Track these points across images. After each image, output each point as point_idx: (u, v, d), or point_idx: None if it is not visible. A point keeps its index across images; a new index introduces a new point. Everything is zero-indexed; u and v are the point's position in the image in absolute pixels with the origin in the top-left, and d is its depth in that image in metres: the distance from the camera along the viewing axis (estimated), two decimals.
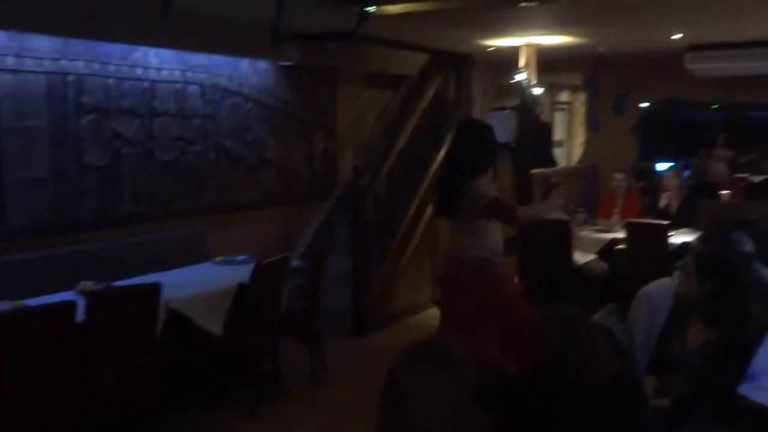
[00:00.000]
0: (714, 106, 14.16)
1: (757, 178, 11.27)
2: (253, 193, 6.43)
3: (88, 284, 4.26)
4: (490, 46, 7.13)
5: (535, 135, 7.85)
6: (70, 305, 3.53)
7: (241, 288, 4.58)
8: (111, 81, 5.14)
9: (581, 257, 6.63)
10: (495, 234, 4.37)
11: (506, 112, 9.37)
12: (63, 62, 4.81)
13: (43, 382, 3.44)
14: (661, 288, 3.64)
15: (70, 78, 4.87)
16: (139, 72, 5.33)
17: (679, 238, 6.28)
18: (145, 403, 4.05)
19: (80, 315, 3.59)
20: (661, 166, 9.64)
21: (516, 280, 4.61)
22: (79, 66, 4.91)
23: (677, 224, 6.56)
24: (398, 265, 6.89)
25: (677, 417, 2.85)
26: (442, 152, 7.47)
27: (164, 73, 5.53)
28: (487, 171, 4.32)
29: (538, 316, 2.31)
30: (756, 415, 2.65)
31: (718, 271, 2.97)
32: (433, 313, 7.08)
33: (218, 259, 5.33)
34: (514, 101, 8.22)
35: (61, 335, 3.47)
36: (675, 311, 3.24)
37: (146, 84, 5.39)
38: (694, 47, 7.32)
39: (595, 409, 2.14)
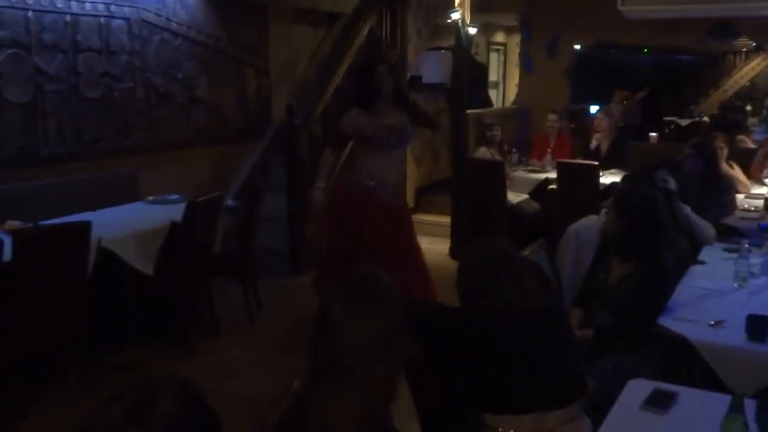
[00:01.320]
0: (645, 50, 14.41)
1: (685, 122, 11.61)
2: (184, 133, 6.29)
3: (14, 223, 4.12)
4: None
5: (470, 76, 7.84)
6: None
7: (174, 227, 4.52)
8: (30, 14, 4.89)
9: (514, 197, 6.75)
10: (370, 161, 4.55)
11: (441, 52, 9.35)
12: None
13: None
14: (589, 225, 3.76)
15: None
16: (59, 4, 5.09)
17: (608, 178, 6.44)
18: (76, 344, 3.99)
19: (7, 255, 3.49)
20: (594, 109, 9.82)
21: (392, 204, 4.61)
22: None
23: (607, 165, 6.72)
24: None
25: (600, 347, 2.97)
26: None
27: (87, 6, 5.29)
28: (362, 105, 4.54)
29: (468, 248, 2.36)
30: (673, 344, 2.78)
31: (634, 207, 3.08)
32: None
33: (150, 198, 5.23)
34: (450, 41, 8.19)
35: None
36: (601, 246, 3.35)
37: (68, 17, 5.15)
38: None
39: (522, 339, 2.22)
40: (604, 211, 3.63)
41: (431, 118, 5.07)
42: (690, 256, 3.64)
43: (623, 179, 3.69)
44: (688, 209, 3.94)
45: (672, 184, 3.88)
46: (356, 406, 1.52)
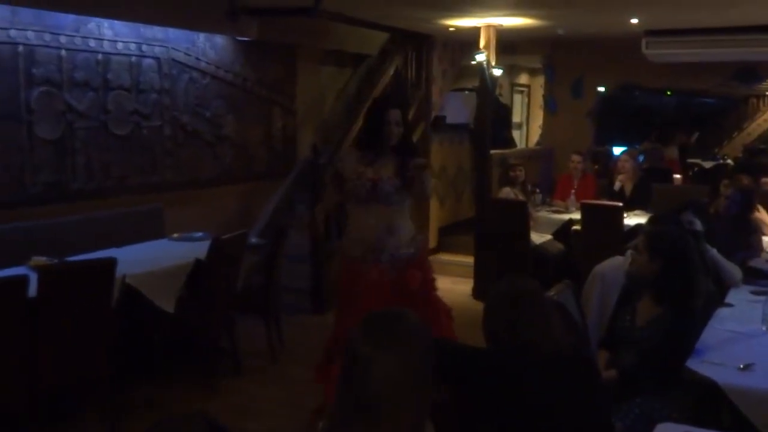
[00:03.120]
0: (668, 93, 14.43)
1: (708, 164, 11.54)
2: (210, 170, 6.36)
3: (41, 259, 4.17)
4: (451, 27, 7.13)
5: (494, 116, 7.88)
6: (22, 279, 3.45)
7: (198, 264, 4.54)
8: (63, 52, 5.01)
9: (537, 237, 6.71)
10: (353, 215, 3.94)
11: (466, 93, 9.40)
12: (12, 32, 4.68)
13: None
14: (615, 266, 3.72)
15: (21, 48, 4.74)
16: (92, 44, 5.21)
17: (632, 219, 6.39)
18: (98, 380, 3.99)
19: (32, 290, 3.52)
20: (618, 150, 9.80)
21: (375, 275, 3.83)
22: (30, 36, 4.78)
23: (631, 206, 6.68)
24: None
25: (625, 389, 2.92)
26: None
27: (119, 45, 5.41)
28: (360, 147, 3.98)
29: (495, 287, 2.34)
30: (700, 388, 2.73)
31: (668, 249, 3.05)
32: None
33: (175, 235, 5.27)
34: (474, 82, 8.25)
35: (11, 310, 3.40)
36: (626, 288, 3.32)
37: (100, 56, 5.28)
38: (651, 32, 7.42)
39: (548, 381, 2.19)
40: (629, 252, 3.59)
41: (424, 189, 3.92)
42: (717, 298, 3.60)
43: (650, 221, 3.66)
44: (714, 251, 3.90)
45: (698, 225, 3.85)
46: None
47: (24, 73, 4.75)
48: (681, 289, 3.00)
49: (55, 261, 4.18)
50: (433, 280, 4.13)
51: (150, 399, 4.37)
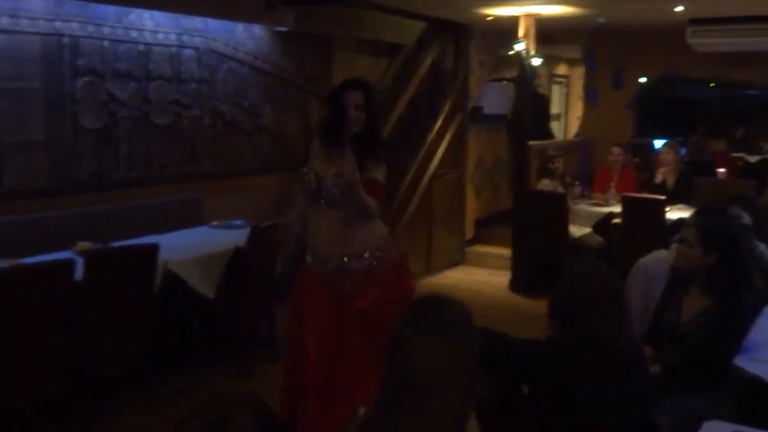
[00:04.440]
0: (711, 84, 14.15)
1: (753, 158, 11.29)
2: (249, 160, 6.40)
3: (85, 245, 4.25)
4: (489, 16, 7.06)
5: (533, 108, 7.80)
6: (70, 263, 3.52)
7: (237, 252, 4.57)
8: (106, 43, 5.07)
9: (576, 230, 6.64)
10: (311, 222, 3.42)
11: (504, 83, 9.33)
12: (57, 23, 4.75)
13: (40, 339, 3.46)
14: (658, 260, 3.66)
15: (66, 39, 4.81)
16: (134, 35, 5.27)
17: (674, 213, 6.29)
18: (140, 363, 4.06)
19: (78, 274, 3.58)
20: (660, 143, 9.64)
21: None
22: (74, 27, 4.84)
23: (673, 200, 6.57)
24: (393, 234, 6.87)
25: (669, 385, 2.88)
26: (439, 122, 7.47)
27: (160, 36, 5.46)
28: (322, 138, 3.44)
29: (581, 266, 2.31)
30: (747, 386, 2.67)
31: (723, 242, 2.99)
32: (428, 282, 7.12)
33: (215, 223, 5.32)
34: (512, 73, 8.18)
35: (59, 293, 3.48)
36: (672, 282, 3.26)
37: (141, 47, 5.33)
38: (696, 21, 7.26)
39: (604, 378, 2.15)
40: (674, 246, 3.53)
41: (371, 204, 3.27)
42: (766, 295, 3.51)
43: (697, 214, 3.58)
44: (762, 246, 3.81)
45: (747, 219, 3.76)
46: (427, 431, 1.50)
47: (69, 63, 4.82)
48: (735, 283, 2.94)
49: (99, 246, 4.24)
50: (396, 301, 3.27)
51: (188, 385, 4.42)
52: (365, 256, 3.33)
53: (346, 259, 3.31)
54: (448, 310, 1.60)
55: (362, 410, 1.89)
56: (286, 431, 1.17)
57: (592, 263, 2.40)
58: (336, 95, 3.34)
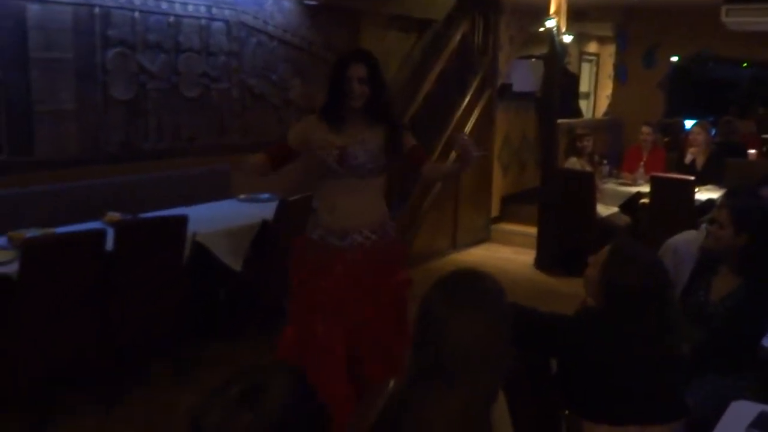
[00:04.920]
0: (744, 65, 13.90)
1: None
2: (276, 134, 6.39)
3: (115, 215, 4.30)
4: None
5: (562, 86, 7.72)
6: (101, 232, 3.57)
7: (265, 224, 4.60)
8: (136, 14, 5.09)
9: (603, 210, 6.60)
10: (323, 189, 3.39)
11: (533, 60, 9.24)
12: None
13: (71, 307, 3.52)
14: (688, 240, 3.63)
15: (97, 10, 4.83)
16: (164, 6, 5.28)
17: (704, 194, 6.23)
18: (167, 332, 4.12)
19: (109, 244, 3.63)
20: (690, 123, 9.52)
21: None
22: None
23: (703, 180, 6.50)
24: (419, 211, 6.89)
25: (696, 365, 2.87)
26: (467, 99, 7.42)
27: (189, 8, 5.47)
28: (326, 115, 3.30)
29: (636, 246, 2.32)
30: None
31: (755, 223, 2.97)
32: (453, 259, 7.13)
33: (242, 196, 5.35)
34: (542, 50, 8.09)
35: (91, 262, 3.53)
36: (701, 263, 3.24)
37: (171, 18, 5.34)
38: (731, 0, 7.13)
39: (637, 350, 2.16)
40: (704, 226, 3.50)
41: (422, 156, 3.38)
42: None
43: (728, 195, 3.54)
44: None
45: None
46: (457, 407, 1.51)
47: (100, 34, 4.84)
48: (765, 264, 2.92)
49: (129, 217, 4.29)
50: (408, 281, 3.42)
51: (215, 356, 4.48)
52: (379, 227, 3.32)
53: (366, 231, 3.28)
54: (480, 283, 1.60)
55: (391, 382, 1.91)
56: (318, 402, 1.17)
57: (642, 247, 2.38)
58: (339, 69, 3.24)
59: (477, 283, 1.60)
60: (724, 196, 3.49)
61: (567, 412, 2.31)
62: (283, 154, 3.38)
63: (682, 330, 2.36)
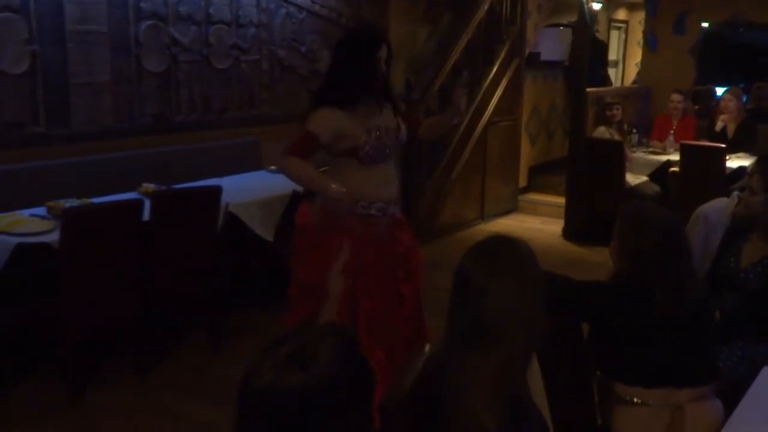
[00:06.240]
0: None
1: None
2: (305, 105, 6.40)
3: (149, 186, 4.38)
4: None
5: (590, 54, 7.64)
6: (139, 202, 3.65)
7: (295, 195, 4.66)
8: None
9: (633, 179, 6.58)
10: (360, 179, 3.18)
11: (561, 28, 9.14)
12: None
13: (109, 275, 3.61)
14: (719, 208, 3.63)
15: None
16: None
17: (734, 162, 6.18)
18: (202, 301, 4.22)
19: (145, 215, 3.72)
20: (721, 90, 9.38)
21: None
22: None
23: (734, 148, 6.44)
24: (447, 181, 6.92)
25: (727, 331, 2.89)
26: (495, 68, 7.39)
27: None
28: (344, 105, 3.11)
29: (654, 208, 2.36)
30: None
31: None
32: (480, 229, 7.16)
33: (272, 167, 5.40)
34: (570, 18, 8.01)
35: (128, 231, 3.61)
36: (731, 230, 3.25)
37: None
38: None
39: (670, 314, 2.19)
40: (735, 193, 3.50)
41: (418, 118, 3.59)
42: None
43: (759, 161, 3.53)
44: None
45: None
46: (494, 371, 1.54)
47: (133, 7, 4.89)
48: None
49: (163, 188, 4.37)
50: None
51: (247, 325, 4.57)
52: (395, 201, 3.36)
53: (392, 204, 3.32)
54: (516, 249, 1.63)
55: (427, 346, 1.97)
56: (366, 363, 1.22)
57: (657, 207, 2.43)
58: (370, 50, 3.12)
59: (513, 249, 1.63)
60: (756, 163, 3.48)
61: (598, 373, 2.36)
62: (315, 149, 3.20)
63: (702, 287, 2.38)
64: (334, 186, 3.05)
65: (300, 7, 6.23)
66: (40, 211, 3.89)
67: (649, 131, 7.58)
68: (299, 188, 4.62)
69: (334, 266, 3.19)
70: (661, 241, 2.22)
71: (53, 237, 3.49)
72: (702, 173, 5.98)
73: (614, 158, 6.43)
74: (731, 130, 6.87)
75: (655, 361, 2.19)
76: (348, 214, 3.14)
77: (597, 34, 10.20)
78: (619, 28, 11.73)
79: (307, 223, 3.32)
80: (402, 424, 1.68)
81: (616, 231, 2.34)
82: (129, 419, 3.54)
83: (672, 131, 7.12)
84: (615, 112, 6.92)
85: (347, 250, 3.18)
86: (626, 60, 11.71)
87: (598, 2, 6.97)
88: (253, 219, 4.49)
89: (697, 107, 8.41)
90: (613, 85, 10.69)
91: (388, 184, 3.28)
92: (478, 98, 7.16)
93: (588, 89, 7.20)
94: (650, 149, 7.07)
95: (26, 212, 3.84)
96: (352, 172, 3.17)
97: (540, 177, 8.43)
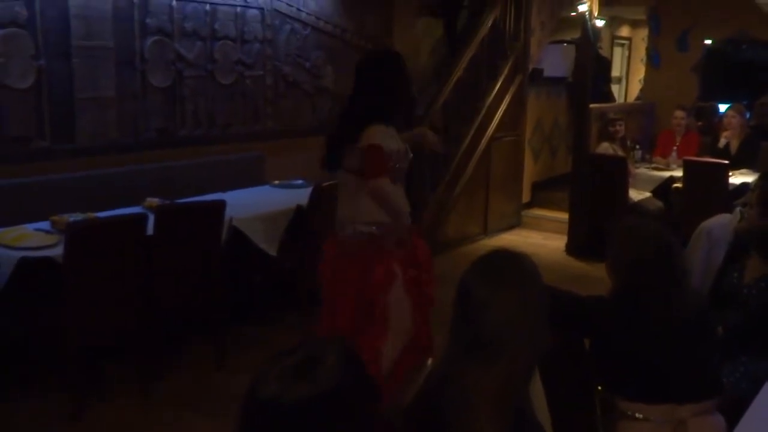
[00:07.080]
0: None
1: None
2: (309, 120, 6.47)
3: (154, 200, 4.39)
4: None
5: (594, 70, 7.67)
6: (143, 217, 3.67)
7: (299, 210, 4.68)
8: (174, 3, 5.17)
9: (636, 195, 6.59)
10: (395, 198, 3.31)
11: (565, 45, 9.18)
12: None
13: (113, 289, 3.62)
14: (722, 223, 3.63)
15: None
16: None
17: (738, 178, 6.18)
18: (205, 315, 4.22)
19: (149, 229, 3.73)
20: (724, 107, 9.40)
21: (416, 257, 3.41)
22: None
23: (737, 164, 6.44)
24: (450, 196, 6.93)
25: (730, 347, 2.89)
26: (498, 84, 7.42)
27: None
28: (388, 120, 3.26)
29: (642, 222, 2.37)
30: None
31: None
32: (484, 244, 7.16)
33: (276, 182, 5.43)
34: (573, 34, 8.04)
35: (132, 246, 3.62)
36: (734, 246, 3.25)
37: (208, 7, 5.42)
38: None
39: (670, 329, 2.19)
40: (738, 209, 3.50)
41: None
42: None
43: (762, 177, 3.53)
44: None
45: None
46: (496, 384, 1.54)
47: (138, 22, 4.94)
48: None
49: (167, 202, 4.39)
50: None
51: (250, 339, 4.57)
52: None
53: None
54: (520, 263, 1.63)
55: (429, 360, 1.97)
56: (370, 376, 1.22)
57: (643, 220, 2.45)
58: (402, 67, 3.31)
59: (516, 263, 1.63)
60: (759, 179, 3.48)
61: (600, 389, 2.36)
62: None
63: (701, 299, 2.39)
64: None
65: (305, 24, 6.27)
66: (45, 225, 3.91)
67: (652, 147, 7.59)
68: (302, 202, 4.65)
69: (391, 291, 3.23)
70: (644, 252, 2.23)
71: (57, 251, 3.51)
72: (705, 189, 5.98)
73: (617, 174, 6.43)
74: (734, 146, 6.88)
75: (655, 375, 2.19)
76: (391, 237, 3.27)
77: (600, 51, 10.23)
78: (622, 45, 11.77)
79: (336, 254, 3.40)
80: None
81: (607, 247, 2.36)
82: None
83: (675, 147, 7.13)
84: (618, 128, 6.94)
85: (398, 269, 3.27)
86: (629, 76, 11.74)
87: (601, 19, 7.00)
88: (256, 233, 4.51)
89: (700, 123, 8.43)
90: (617, 102, 10.71)
91: (405, 201, 3.41)
92: (482, 113, 7.18)
93: (591, 105, 7.23)
94: (653, 165, 7.08)
95: (31, 226, 3.86)
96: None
97: (543, 192, 8.44)
